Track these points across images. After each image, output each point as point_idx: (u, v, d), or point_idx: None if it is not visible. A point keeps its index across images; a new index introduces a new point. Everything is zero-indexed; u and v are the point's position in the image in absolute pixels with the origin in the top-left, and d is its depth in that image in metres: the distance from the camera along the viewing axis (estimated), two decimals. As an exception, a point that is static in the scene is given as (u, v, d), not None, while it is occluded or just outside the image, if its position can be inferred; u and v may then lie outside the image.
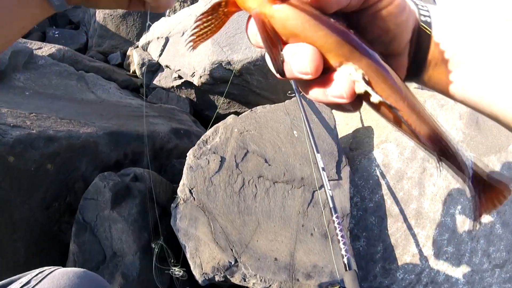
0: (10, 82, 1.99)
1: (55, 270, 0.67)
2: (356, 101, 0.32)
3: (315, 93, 0.33)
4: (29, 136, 1.41)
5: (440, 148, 0.34)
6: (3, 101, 1.68)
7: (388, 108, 0.32)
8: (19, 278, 0.64)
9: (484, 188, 0.36)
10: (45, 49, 2.37)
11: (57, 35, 2.97)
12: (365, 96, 0.31)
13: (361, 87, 0.30)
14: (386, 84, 0.31)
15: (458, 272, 1.84)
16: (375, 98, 0.30)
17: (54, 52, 2.36)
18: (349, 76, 0.30)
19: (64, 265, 1.38)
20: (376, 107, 0.32)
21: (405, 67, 0.37)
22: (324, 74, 0.31)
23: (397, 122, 0.33)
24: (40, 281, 0.63)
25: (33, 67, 2.16)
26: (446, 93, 0.38)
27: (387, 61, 0.33)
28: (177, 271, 1.28)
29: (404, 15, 0.34)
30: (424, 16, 0.35)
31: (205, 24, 0.35)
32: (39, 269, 0.68)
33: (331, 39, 0.30)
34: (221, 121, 1.44)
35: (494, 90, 0.33)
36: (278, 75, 0.32)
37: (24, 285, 0.62)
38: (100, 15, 2.84)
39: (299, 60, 0.30)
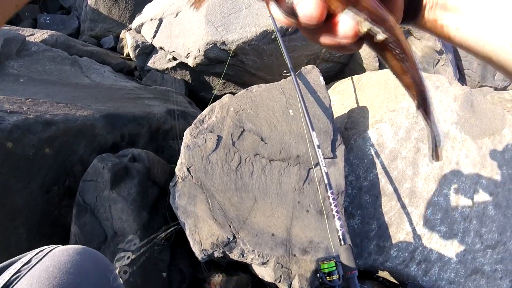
0: (4, 70, 1.98)
1: (55, 248, 0.68)
2: (358, 41, 0.33)
3: (323, 39, 0.34)
4: (26, 121, 1.41)
5: (422, 93, 0.36)
6: None
7: (389, 48, 0.33)
8: (19, 259, 0.65)
9: None
10: (38, 35, 2.35)
11: (48, 21, 2.93)
12: (367, 36, 0.32)
13: (365, 27, 0.31)
14: (386, 25, 0.32)
15: (451, 251, 1.89)
16: (380, 36, 0.32)
17: (46, 37, 2.33)
18: (354, 17, 0.31)
19: (65, 246, 1.40)
20: (379, 46, 0.33)
21: (401, 9, 0.37)
22: (329, 20, 0.32)
23: (398, 62, 0.34)
24: (40, 259, 0.64)
25: (26, 53, 2.14)
26: (442, 36, 0.38)
27: (384, 3, 0.33)
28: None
29: None
30: None
31: None
32: (39, 248, 0.69)
33: None
34: (217, 100, 1.45)
35: (488, 31, 0.34)
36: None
37: (25, 264, 0.62)
38: (91, -2, 2.80)
39: (305, 6, 0.31)
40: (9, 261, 0.64)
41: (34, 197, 1.43)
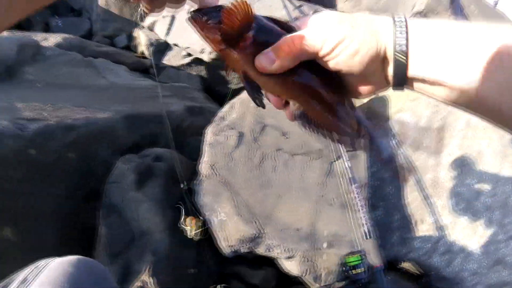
0: (21, 76, 1.99)
1: (50, 262, 0.69)
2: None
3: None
4: (47, 127, 1.43)
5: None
6: (16, 96, 1.68)
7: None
8: (16, 277, 0.65)
9: None
10: (51, 40, 2.36)
11: (60, 24, 2.95)
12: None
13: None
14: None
15: (474, 242, 1.86)
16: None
17: (60, 41, 2.35)
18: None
19: (94, 248, 1.42)
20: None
21: (378, 83, 0.45)
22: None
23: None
24: (36, 275, 0.65)
25: (41, 58, 2.15)
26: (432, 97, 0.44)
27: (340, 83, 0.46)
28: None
29: (356, 58, 0.41)
30: (400, 45, 0.40)
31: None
32: (35, 263, 0.69)
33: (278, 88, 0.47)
34: (237, 97, 1.44)
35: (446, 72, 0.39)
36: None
37: (21, 283, 0.63)
38: (102, -2, 2.81)
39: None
40: (4, 282, 0.65)
41: (60, 202, 1.45)
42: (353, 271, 1.30)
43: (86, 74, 2.13)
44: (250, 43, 0.43)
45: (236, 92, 1.60)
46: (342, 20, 0.42)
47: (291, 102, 0.48)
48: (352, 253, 1.36)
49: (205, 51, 2.13)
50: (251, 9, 0.42)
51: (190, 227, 1.30)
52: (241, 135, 1.36)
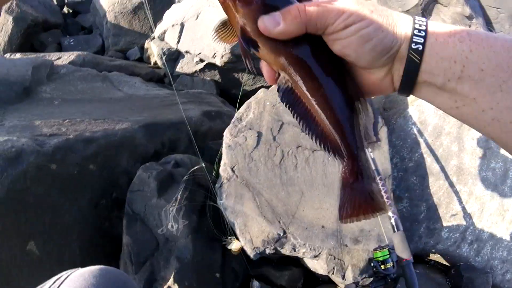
0: (38, 95, 2.04)
1: (72, 273, 0.69)
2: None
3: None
4: (67, 142, 1.46)
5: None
6: (35, 114, 1.72)
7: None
8: None
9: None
10: (65, 58, 2.41)
11: (72, 43, 3.02)
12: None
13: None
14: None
15: (502, 228, 1.80)
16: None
17: (73, 59, 2.40)
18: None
19: (119, 257, 1.44)
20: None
21: (382, 83, 0.42)
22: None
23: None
24: (58, 287, 0.65)
25: (56, 77, 2.20)
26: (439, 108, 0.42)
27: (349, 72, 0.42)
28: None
29: (368, 45, 0.38)
30: (416, 43, 0.37)
31: (223, 34, 0.45)
32: (58, 275, 0.70)
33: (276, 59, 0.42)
34: (252, 97, 1.44)
35: (490, 115, 0.36)
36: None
37: None
38: (110, 14, 2.86)
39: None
40: None
41: (83, 213, 1.48)
42: (381, 266, 1.27)
43: (102, 88, 2.16)
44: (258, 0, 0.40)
45: (250, 93, 1.60)
46: (362, 2, 0.39)
47: (281, 74, 0.43)
48: (380, 247, 1.32)
49: (217, 55, 2.14)
50: None
51: (234, 249, 1.31)
52: (259, 135, 1.35)
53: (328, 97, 0.41)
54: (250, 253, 1.31)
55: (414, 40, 0.37)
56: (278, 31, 0.39)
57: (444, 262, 1.86)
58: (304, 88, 0.42)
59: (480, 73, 0.35)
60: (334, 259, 1.35)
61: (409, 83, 0.39)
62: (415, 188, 1.78)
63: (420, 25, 0.38)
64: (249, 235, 1.30)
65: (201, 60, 2.27)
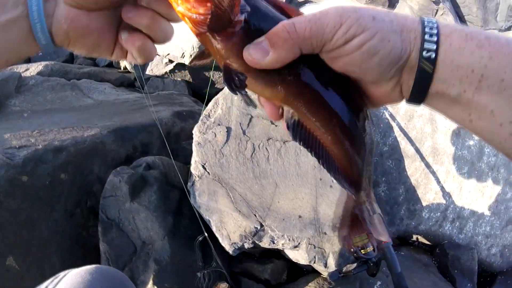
0: (7, 109, 2.01)
1: (68, 272, 0.70)
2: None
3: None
4: (36, 152, 1.43)
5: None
6: (4, 128, 1.70)
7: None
8: None
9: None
10: (32, 69, 2.37)
11: (41, 53, 2.96)
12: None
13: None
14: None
15: (483, 204, 1.84)
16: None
17: (41, 69, 2.36)
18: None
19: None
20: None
21: (390, 94, 0.37)
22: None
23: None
24: (56, 285, 0.66)
25: (25, 89, 2.16)
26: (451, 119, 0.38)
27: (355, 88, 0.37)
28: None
29: (374, 60, 0.33)
30: (428, 50, 0.32)
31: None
32: (55, 275, 0.71)
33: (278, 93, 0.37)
34: (220, 92, 1.43)
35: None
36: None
37: None
38: (79, 21, 2.80)
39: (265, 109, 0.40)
40: None
41: (59, 224, 1.46)
42: (362, 251, 1.27)
43: (72, 96, 2.13)
44: (240, 29, 0.34)
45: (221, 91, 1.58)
46: (360, 8, 0.33)
47: (285, 108, 0.38)
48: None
49: (186, 55, 2.12)
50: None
51: None
52: (229, 130, 1.34)
53: (343, 126, 0.37)
54: (229, 249, 1.30)
55: (425, 47, 0.32)
56: (269, 62, 0.33)
57: (428, 242, 1.88)
58: (314, 120, 0.37)
59: (500, 83, 0.31)
60: (314, 248, 1.34)
61: (420, 94, 0.35)
62: (391, 172, 1.80)
63: (431, 28, 0.33)
64: (226, 231, 1.29)
65: (170, 61, 2.25)
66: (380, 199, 1.77)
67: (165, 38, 0.44)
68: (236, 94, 0.36)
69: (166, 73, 2.31)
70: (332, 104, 0.36)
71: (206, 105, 1.49)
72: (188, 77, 2.33)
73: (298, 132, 0.38)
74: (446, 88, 0.33)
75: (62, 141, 1.53)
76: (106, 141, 1.58)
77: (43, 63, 2.41)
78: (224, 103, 1.38)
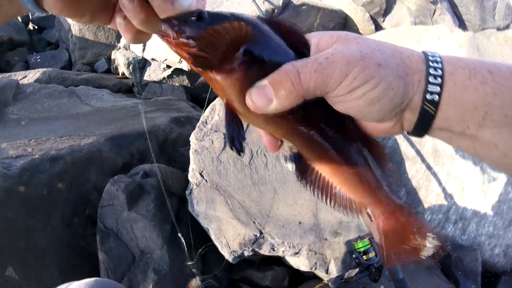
0: (4, 117, 2.00)
1: (69, 285, 0.70)
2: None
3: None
4: (33, 162, 1.42)
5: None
6: (1, 137, 1.70)
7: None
8: None
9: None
10: (30, 76, 2.37)
11: (39, 60, 2.96)
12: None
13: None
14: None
15: (485, 204, 1.81)
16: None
17: (39, 76, 2.35)
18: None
19: (99, 275, 1.40)
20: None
21: (391, 129, 0.36)
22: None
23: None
24: None
25: (22, 96, 2.16)
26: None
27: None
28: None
29: (376, 107, 0.33)
30: (432, 93, 0.32)
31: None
32: None
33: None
34: (216, 98, 1.41)
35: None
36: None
37: None
38: (75, 27, 2.80)
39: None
40: None
41: (57, 233, 1.44)
42: (364, 256, 1.25)
43: (69, 103, 2.12)
44: (240, 64, 0.31)
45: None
46: (367, 54, 0.32)
47: (285, 142, 0.37)
48: (360, 238, 1.31)
49: (183, 60, 2.11)
50: (251, 30, 0.31)
51: None
52: (226, 136, 1.32)
53: (343, 159, 0.36)
54: (228, 257, 1.28)
55: (429, 89, 0.32)
56: (272, 110, 0.33)
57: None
58: (315, 156, 0.36)
59: (504, 119, 0.31)
60: (315, 254, 1.32)
61: (422, 130, 0.34)
62: (392, 174, 1.78)
63: (435, 69, 0.32)
64: (225, 239, 1.27)
65: (168, 66, 2.24)
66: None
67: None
68: (233, 137, 0.34)
69: (164, 78, 2.30)
70: (332, 141, 0.36)
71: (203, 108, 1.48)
72: (186, 82, 2.31)
73: (298, 166, 0.37)
74: (448, 125, 0.33)
75: (59, 150, 1.52)
76: (103, 149, 1.57)
77: (41, 70, 2.40)
78: (221, 109, 1.36)
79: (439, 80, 0.32)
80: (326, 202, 0.38)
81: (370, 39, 0.35)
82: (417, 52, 0.34)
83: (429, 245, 0.37)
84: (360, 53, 0.32)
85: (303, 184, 0.38)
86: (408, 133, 0.36)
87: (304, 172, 0.37)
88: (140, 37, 0.37)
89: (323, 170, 0.37)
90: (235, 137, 0.34)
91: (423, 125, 0.33)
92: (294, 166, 0.37)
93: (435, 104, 0.32)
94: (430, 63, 0.32)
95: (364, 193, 0.37)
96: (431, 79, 0.32)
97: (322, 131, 0.35)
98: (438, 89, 0.32)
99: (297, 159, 0.37)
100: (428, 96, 0.32)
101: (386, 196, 0.37)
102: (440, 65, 0.32)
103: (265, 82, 0.32)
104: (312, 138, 0.35)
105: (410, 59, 0.33)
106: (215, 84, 0.33)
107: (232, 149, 0.34)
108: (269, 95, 0.32)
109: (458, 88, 0.32)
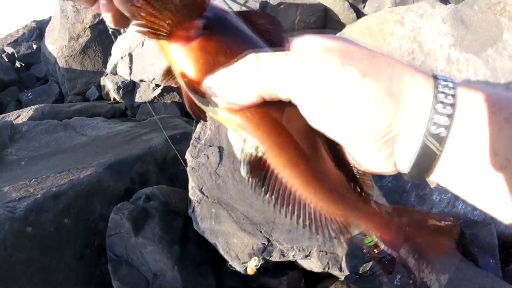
0: (4, 160, 2.03)
1: None
2: None
3: None
4: (36, 202, 1.44)
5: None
6: (3, 181, 1.72)
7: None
8: None
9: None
10: (23, 115, 2.39)
11: (31, 96, 2.99)
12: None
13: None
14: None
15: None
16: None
17: (32, 113, 2.37)
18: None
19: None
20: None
21: (380, 166, 0.29)
22: None
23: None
24: None
25: (19, 136, 2.18)
26: None
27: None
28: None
29: (349, 127, 0.26)
30: (438, 126, 0.24)
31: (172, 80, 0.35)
32: None
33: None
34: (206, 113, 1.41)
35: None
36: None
37: None
38: (61, 60, 2.82)
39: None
40: None
41: (72, 267, 1.47)
42: (375, 250, 1.24)
43: (65, 136, 2.13)
44: (198, 35, 0.28)
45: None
46: (350, 59, 0.25)
47: (248, 138, 0.31)
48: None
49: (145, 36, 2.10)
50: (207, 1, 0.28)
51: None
52: (221, 150, 1.32)
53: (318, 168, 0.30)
54: (240, 269, 1.28)
55: (435, 120, 0.24)
56: (226, 104, 0.28)
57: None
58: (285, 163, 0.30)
59: None
60: (326, 254, 1.32)
61: (421, 173, 0.27)
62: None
63: (446, 95, 0.24)
64: (234, 252, 1.27)
65: (157, 85, 2.25)
66: (387, 190, 1.74)
67: None
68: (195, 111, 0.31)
69: (155, 97, 2.31)
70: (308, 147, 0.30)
71: (197, 122, 1.47)
72: (177, 98, 2.32)
73: (262, 173, 0.32)
74: (455, 170, 0.25)
75: (60, 186, 1.53)
76: (103, 179, 1.58)
77: (33, 107, 2.43)
78: (212, 123, 1.36)
79: (450, 110, 0.24)
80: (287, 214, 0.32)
81: (369, 48, 0.28)
82: (424, 72, 0.27)
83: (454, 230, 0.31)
84: (342, 55, 0.25)
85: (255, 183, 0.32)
86: (404, 175, 0.29)
87: (263, 180, 0.32)
88: (120, 19, 0.32)
89: (293, 181, 0.31)
90: (195, 110, 0.31)
91: (423, 166, 0.26)
92: (249, 171, 0.32)
93: (442, 140, 0.24)
94: (440, 88, 0.25)
95: (347, 209, 0.32)
96: (439, 107, 0.24)
97: (299, 138, 0.30)
98: (447, 121, 0.24)
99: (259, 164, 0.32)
100: (433, 129, 0.24)
101: (373, 206, 0.32)
102: (452, 91, 0.25)
103: (220, 72, 0.27)
104: (287, 144, 0.30)
105: (412, 78, 0.26)
106: (171, 55, 0.29)
107: (195, 117, 0.32)
108: (223, 86, 0.27)
109: (475, 125, 0.24)
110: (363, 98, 0.24)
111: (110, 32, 2.43)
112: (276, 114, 0.29)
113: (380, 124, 0.25)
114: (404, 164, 0.27)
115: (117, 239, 1.38)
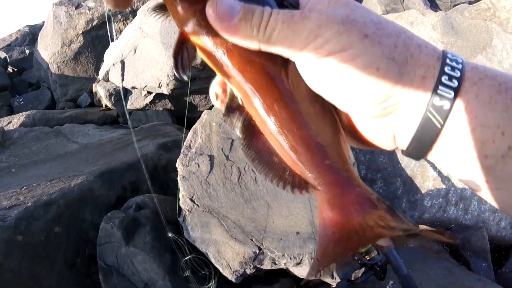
0: (-5, 167, 2.01)
1: None
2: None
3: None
4: (27, 211, 1.43)
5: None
6: None
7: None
8: None
9: None
10: (15, 121, 2.37)
11: (22, 102, 2.97)
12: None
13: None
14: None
15: (483, 181, 1.82)
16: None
17: (24, 120, 2.36)
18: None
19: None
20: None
21: (377, 138, 0.29)
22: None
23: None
24: None
25: (10, 143, 2.16)
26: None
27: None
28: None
29: (346, 88, 0.26)
30: (442, 97, 0.24)
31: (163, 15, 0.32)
32: None
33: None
34: (197, 121, 1.41)
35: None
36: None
37: None
38: (53, 65, 2.81)
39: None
40: None
41: (62, 276, 1.45)
42: (366, 257, 1.25)
43: (56, 144, 2.12)
44: None
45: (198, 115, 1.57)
46: (353, 20, 0.25)
47: (232, 90, 0.31)
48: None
49: (162, 84, 2.11)
50: None
51: None
52: (211, 158, 1.32)
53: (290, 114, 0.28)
54: (231, 277, 1.28)
55: (439, 91, 0.24)
56: (229, 31, 0.26)
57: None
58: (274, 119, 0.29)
59: None
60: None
61: (420, 150, 0.26)
62: (386, 167, 1.78)
63: (453, 69, 0.24)
64: (225, 260, 1.27)
65: (149, 93, 2.24)
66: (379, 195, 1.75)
67: None
68: (180, 75, 0.29)
69: (147, 104, 2.30)
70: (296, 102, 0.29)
71: (188, 129, 1.47)
72: (169, 105, 2.31)
73: (240, 122, 0.31)
74: (458, 149, 0.24)
75: (50, 194, 1.52)
76: (94, 187, 1.57)
77: (25, 113, 2.41)
78: (203, 131, 1.36)
79: (455, 83, 0.24)
80: (263, 174, 0.31)
81: (377, 14, 0.27)
82: (434, 46, 0.26)
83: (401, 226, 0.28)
84: (345, 16, 0.25)
85: (248, 156, 0.31)
86: (402, 152, 0.28)
87: (251, 138, 0.31)
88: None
89: (265, 128, 0.30)
90: (182, 63, 0.29)
91: (422, 141, 0.25)
92: (231, 122, 0.31)
93: (444, 114, 0.24)
94: (448, 61, 0.24)
95: (306, 160, 0.29)
96: (444, 79, 0.24)
97: (286, 92, 0.28)
98: (451, 93, 0.23)
99: (239, 114, 0.31)
100: (436, 101, 0.24)
101: (333, 166, 0.29)
102: (460, 66, 0.24)
103: (239, 3, 0.26)
104: (273, 94, 0.28)
105: (419, 48, 0.25)
106: (178, 12, 0.28)
107: (177, 71, 0.30)
108: (236, 11, 0.26)
109: (480, 101, 0.23)
110: (362, 59, 0.24)
111: (106, 13, 2.37)
112: (271, 68, 0.28)
113: (379, 88, 0.24)
114: (403, 138, 0.26)
115: (108, 248, 1.37)
